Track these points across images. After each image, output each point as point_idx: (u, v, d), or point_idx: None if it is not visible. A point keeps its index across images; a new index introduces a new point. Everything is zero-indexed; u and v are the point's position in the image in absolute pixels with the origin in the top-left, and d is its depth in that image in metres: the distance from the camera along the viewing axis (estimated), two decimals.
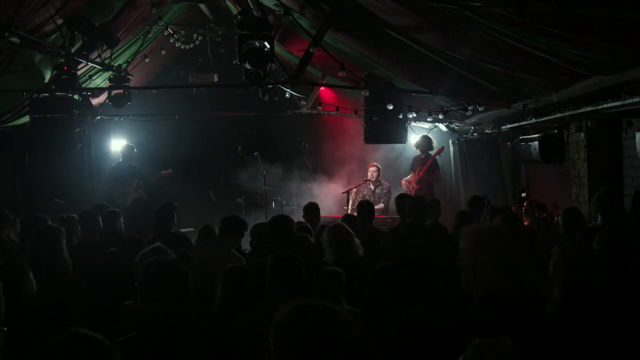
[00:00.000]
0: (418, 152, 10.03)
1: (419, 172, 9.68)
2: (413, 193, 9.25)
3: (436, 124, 10.01)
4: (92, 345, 1.82)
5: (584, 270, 3.07)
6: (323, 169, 10.62)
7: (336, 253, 4.45)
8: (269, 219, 5.82)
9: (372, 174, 9.53)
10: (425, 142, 9.92)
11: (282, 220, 5.00)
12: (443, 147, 10.09)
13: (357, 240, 4.61)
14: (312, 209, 6.40)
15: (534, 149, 7.80)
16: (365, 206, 6.32)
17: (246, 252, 5.57)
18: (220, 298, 3.51)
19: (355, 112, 9.57)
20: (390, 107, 7.92)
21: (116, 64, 8.17)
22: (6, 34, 5.41)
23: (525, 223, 6.45)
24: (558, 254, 3.18)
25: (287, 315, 1.90)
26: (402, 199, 6.60)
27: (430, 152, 9.89)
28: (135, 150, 9.66)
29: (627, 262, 3.32)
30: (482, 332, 2.21)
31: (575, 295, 3.00)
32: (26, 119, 8.23)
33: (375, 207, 9.02)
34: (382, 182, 9.64)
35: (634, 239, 3.59)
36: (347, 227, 4.69)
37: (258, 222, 6.05)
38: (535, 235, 4.97)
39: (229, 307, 3.43)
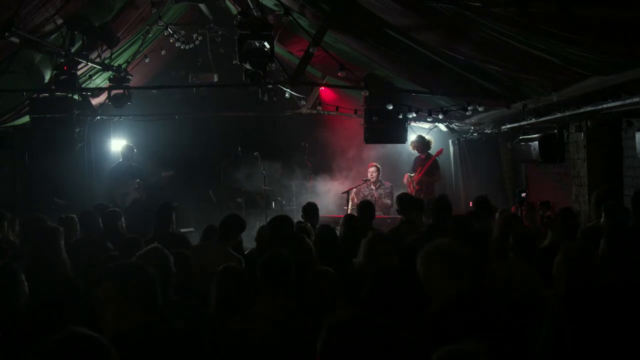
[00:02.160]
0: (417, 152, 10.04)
1: (419, 172, 9.68)
2: (413, 193, 9.24)
3: (436, 124, 10.01)
4: (89, 344, 1.81)
5: (587, 269, 3.06)
6: (323, 168, 10.61)
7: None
8: (268, 219, 5.82)
9: (371, 174, 9.53)
10: (422, 142, 9.91)
11: (281, 221, 4.99)
12: (442, 149, 10.08)
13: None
14: (310, 209, 6.39)
15: (534, 149, 7.79)
16: (365, 206, 6.29)
17: (246, 252, 5.57)
18: (215, 298, 3.51)
19: (355, 112, 9.57)
20: (390, 107, 7.92)
21: (116, 64, 8.17)
22: (6, 34, 5.40)
23: (525, 224, 6.44)
24: (561, 253, 3.18)
25: None
26: (404, 198, 6.58)
27: (430, 152, 9.89)
28: (135, 150, 9.66)
29: (632, 261, 3.31)
30: (445, 331, 2.44)
31: (578, 295, 2.99)
32: (26, 119, 8.23)
33: (383, 202, 9.16)
34: (383, 182, 9.64)
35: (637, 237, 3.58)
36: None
37: (258, 222, 6.08)
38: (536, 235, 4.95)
39: (224, 307, 3.43)
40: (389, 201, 9.26)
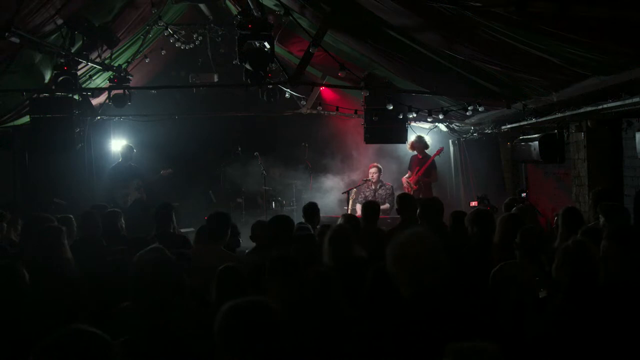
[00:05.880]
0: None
1: (416, 172, 9.68)
2: (411, 193, 9.24)
3: (436, 124, 10.01)
4: (91, 341, 1.82)
5: (587, 266, 3.06)
6: (323, 169, 10.62)
7: (335, 253, 4.44)
8: (269, 218, 5.81)
9: (372, 175, 9.52)
10: (421, 142, 9.92)
11: (282, 221, 4.97)
12: (442, 147, 10.08)
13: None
14: (311, 209, 6.38)
15: (534, 149, 7.79)
16: (370, 207, 6.26)
17: (246, 251, 5.57)
18: (215, 298, 3.51)
19: (355, 112, 9.57)
20: (390, 107, 7.92)
21: (116, 64, 8.17)
22: (6, 34, 5.41)
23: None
24: (560, 252, 3.17)
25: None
26: (404, 198, 6.56)
27: (427, 153, 9.89)
28: (135, 150, 9.67)
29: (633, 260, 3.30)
30: (414, 327, 2.48)
31: (579, 293, 2.99)
32: (26, 119, 8.24)
33: (381, 207, 9.11)
34: (384, 182, 9.63)
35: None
36: (348, 228, 4.67)
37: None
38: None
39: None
40: (387, 204, 9.21)
